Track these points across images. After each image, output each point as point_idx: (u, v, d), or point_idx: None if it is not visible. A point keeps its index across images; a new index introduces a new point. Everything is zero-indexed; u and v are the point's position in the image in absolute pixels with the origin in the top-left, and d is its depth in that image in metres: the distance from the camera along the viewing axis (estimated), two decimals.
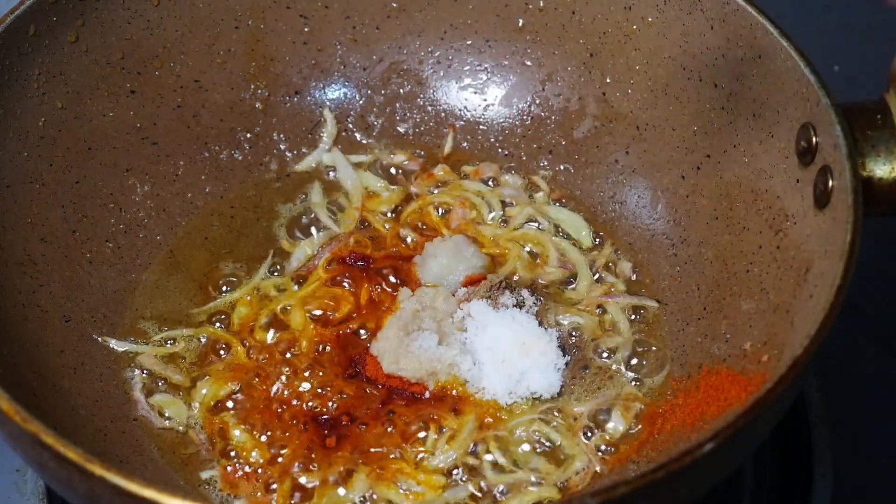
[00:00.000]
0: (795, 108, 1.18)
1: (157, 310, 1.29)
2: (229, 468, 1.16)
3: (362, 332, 1.26)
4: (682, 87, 1.31)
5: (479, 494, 1.15)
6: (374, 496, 1.14)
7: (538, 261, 1.33)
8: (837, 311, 1.02)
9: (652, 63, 1.33)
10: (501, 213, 1.37)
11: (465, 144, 1.43)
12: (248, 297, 1.29)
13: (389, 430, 1.18)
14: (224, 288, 1.30)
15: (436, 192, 1.39)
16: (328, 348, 1.24)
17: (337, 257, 1.31)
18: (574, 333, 1.26)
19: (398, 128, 1.43)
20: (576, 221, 1.36)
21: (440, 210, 1.37)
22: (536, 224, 1.36)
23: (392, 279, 1.29)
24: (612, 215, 1.37)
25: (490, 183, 1.40)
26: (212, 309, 1.29)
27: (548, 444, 1.18)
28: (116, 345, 1.25)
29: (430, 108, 1.44)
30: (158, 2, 1.34)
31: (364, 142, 1.43)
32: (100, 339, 1.24)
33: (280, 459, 1.16)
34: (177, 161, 1.37)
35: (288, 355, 1.24)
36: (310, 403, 1.20)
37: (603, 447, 1.18)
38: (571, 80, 1.39)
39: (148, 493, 0.93)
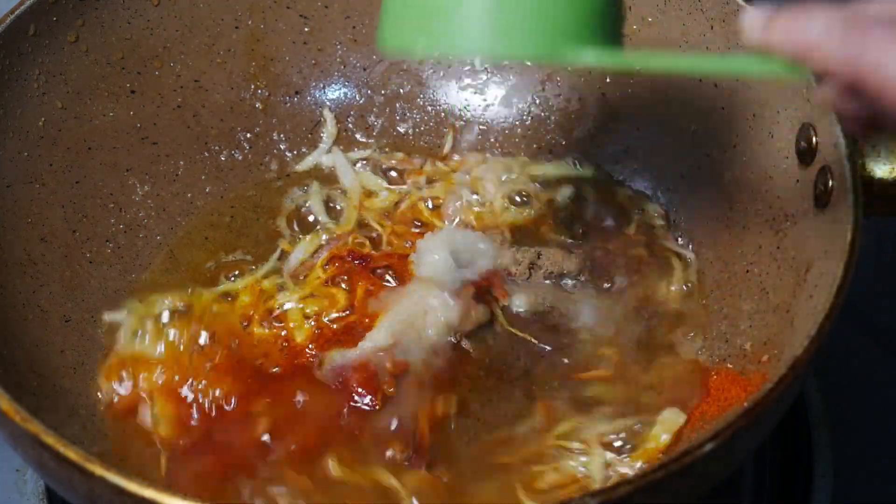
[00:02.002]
0: (795, 108, 1.18)
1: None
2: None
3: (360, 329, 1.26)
4: (682, 87, 1.31)
5: None
6: None
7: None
8: (837, 311, 1.02)
9: None
10: (491, 193, 1.37)
11: (464, 145, 1.43)
12: (248, 295, 1.29)
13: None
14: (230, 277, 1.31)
15: (427, 187, 1.38)
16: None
17: (335, 256, 1.31)
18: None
19: (398, 128, 1.43)
20: (564, 169, 1.37)
21: (431, 205, 1.36)
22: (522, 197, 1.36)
23: (389, 278, 1.29)
24: None
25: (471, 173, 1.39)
26: (215, 294, 1.29)
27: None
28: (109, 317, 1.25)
29: (430, 108, 1.44)
30: (158, 2, 1.34)
31: (364, 142, 1.43)
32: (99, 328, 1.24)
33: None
34: (177, 161, 1.37)
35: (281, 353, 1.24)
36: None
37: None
38: (571, 80, 1.40)
39: (148, 493, 0.93)
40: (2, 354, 1.11)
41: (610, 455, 1.14)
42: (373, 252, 1.32)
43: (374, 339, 1.21)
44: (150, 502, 0.93)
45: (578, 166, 1.38)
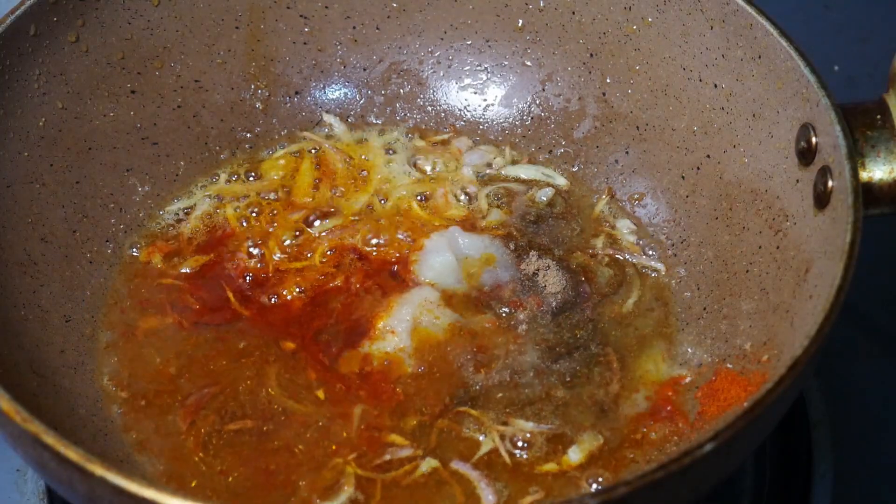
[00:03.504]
0: (795, 108, 1.18)
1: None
2: None
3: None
4: (682, 87, 1.31)
5: None
6: None
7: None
8: (837, 311, 1.02)
9: (652, 63, 1.34)
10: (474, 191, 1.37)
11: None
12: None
13: None
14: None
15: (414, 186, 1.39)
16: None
17: (339, 247, 1.31)
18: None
19: (398, 128, 1.43)
20: (538, 172, 1.38)
21: (422, 199, 1.36)
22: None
23: (388, 279, 1.29)
24: None
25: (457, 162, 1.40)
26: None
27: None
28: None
29: (430, 108, 1.44)
30: (158, 2, 1.34)
31: None
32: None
33: None
34: (177, 161, 1.37)
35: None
36: None
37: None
38: (571, 80, 1.40)
39: (148, 493, 0.93)
40: (2, 354, 1.11)
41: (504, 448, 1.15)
42: (374, 254, 1.31)
43: (391, 342, 1.22)
44: (150, 502, 0.93)
45: (555, 174, 1.38)
